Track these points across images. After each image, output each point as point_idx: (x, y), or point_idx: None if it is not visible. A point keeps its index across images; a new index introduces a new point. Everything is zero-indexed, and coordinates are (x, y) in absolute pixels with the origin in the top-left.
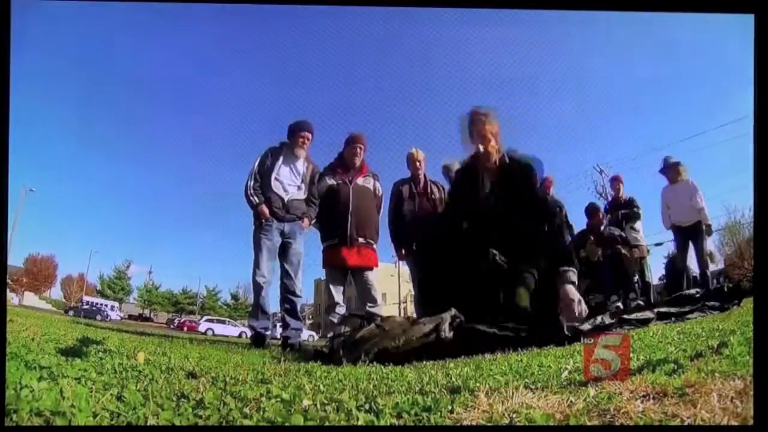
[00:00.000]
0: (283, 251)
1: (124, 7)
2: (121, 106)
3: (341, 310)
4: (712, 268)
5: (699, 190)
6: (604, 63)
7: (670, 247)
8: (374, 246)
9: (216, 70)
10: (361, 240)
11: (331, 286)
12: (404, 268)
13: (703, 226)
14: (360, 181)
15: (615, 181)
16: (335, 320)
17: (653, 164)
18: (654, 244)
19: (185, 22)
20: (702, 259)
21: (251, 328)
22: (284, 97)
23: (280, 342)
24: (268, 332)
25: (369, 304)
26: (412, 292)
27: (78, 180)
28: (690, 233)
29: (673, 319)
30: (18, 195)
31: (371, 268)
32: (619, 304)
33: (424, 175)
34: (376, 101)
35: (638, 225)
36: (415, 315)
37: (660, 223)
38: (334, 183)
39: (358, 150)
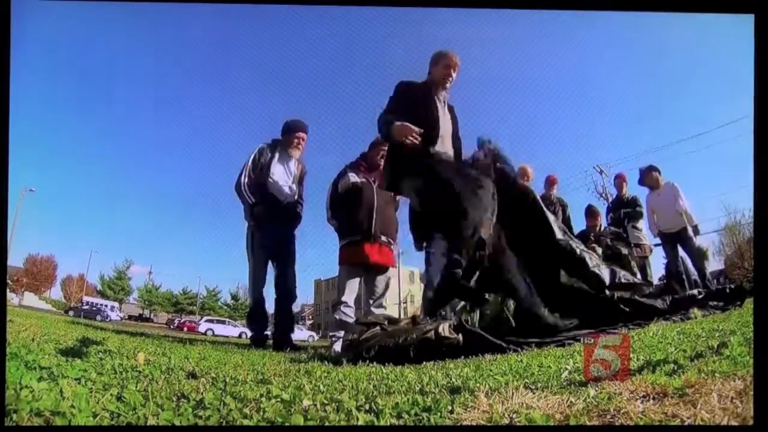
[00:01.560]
0: (278, 252)
1: (125, 6)
2: (122, 106)
3: (348, 310)
4: (710, 267)
5: (680, 192)
6: (604, 63)
7: None
8: (393, 247)
9: (217, 70)
10: (383, 239)
11: (346, 285)
12: (403, 269)
13: (689, 228)
14: None
15: (619, 178)
16: (338, 318)
17: (652, 164)
18: (654, 244)
19: (187, 22)
20: (697, 260)
21: (250, 329)
22: (285, 96)
23: (272, 343)
24: (267, 333)
25: (374, 306)
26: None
27: (78, 180)
28: (677, 238)
29: (678, 319)
30: (18, 195)
31: (388, 268)
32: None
33: None
34: (376, 100)
35: (641, 224)
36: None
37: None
38: (358, 181)
39: (383, 152)
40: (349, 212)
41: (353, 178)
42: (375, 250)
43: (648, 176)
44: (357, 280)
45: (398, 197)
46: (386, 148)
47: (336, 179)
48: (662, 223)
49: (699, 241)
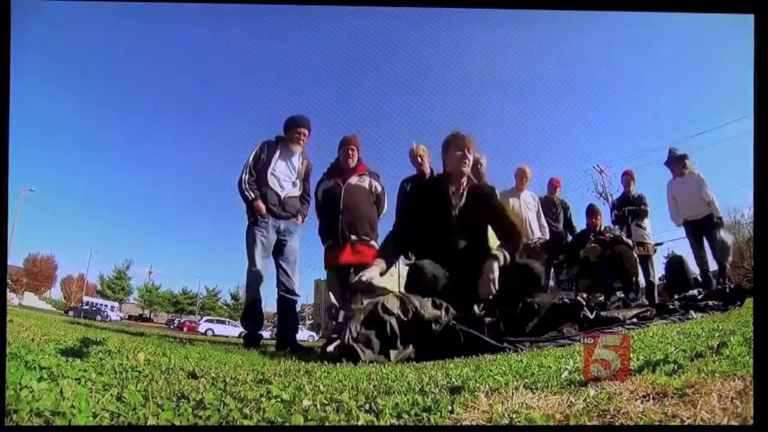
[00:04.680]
0: (279, 249)
1: (126, 6)
2: (122, 106)
3: (339, 312)
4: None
5: (705, 181)
6: (604, 63)
7: (669, 247)
8: (371, 242)
9: (217, 69)
10: (354, 237)
11: (329, 288)
12: (404, 269)
13: (715, 219)
14: (354, 180)
15: (627, 175)
16: (330, 320)
17: (652, 164)
18: (656, 243)
19: (187, 22)
20: (718, 252)
21: (244, 327)
22: (285, 97)
23: (275, 342)
24: (261, 332)
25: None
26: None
27: (78, 180)
28: (702, 227)
29: (677, 319)
30: (18, 195)
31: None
32: (620, 304)
33: (431, 170)
34: (376, 100)
35: (646, 222)
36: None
37: (661, 222)
38: (330, 185)
39: (350, 151)
40: (322, 218)
41: (324, 184)
42: (347, 251)
43: (678, 160)
44: (340, 281)
45: (378, 192)
46: (353, 147)
47: (315, 188)
48: (687, 211)
49: (724, 234)
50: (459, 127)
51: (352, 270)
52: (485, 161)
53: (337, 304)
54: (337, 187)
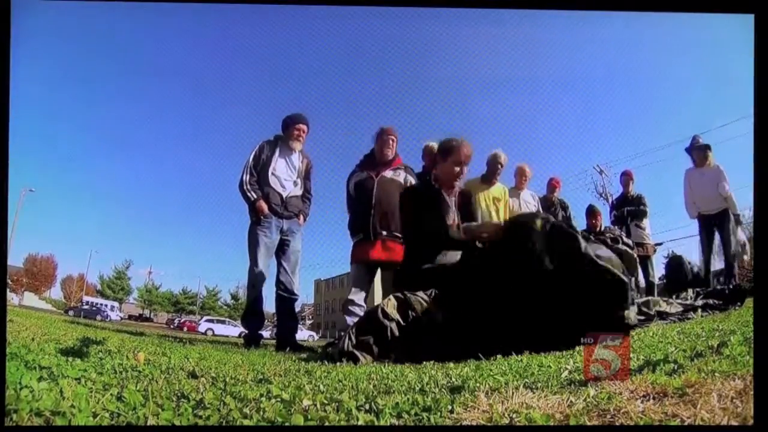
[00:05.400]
0: (281, 249)
1: (127, 5)
2: (122, 106)
3: (357, 309)
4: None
5: (725, 175)
6: (604, 63)
7: (669, 248)
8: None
9: (217, 68)
10: (384, 233)
11: (353, 284)
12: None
13: (731, 215)
14: (388, 174)
15: (625, 175)
16: (346, 317)
17: (652, 164)
18: (656, 243)
19: (187, 20)
20: (728, 249)
21: (245, 327)
22: (285, 96)
23: (275, 342)
24: (262, 332)
25: None
26: None
27: (78, 179)
28: (716, 221)
29: (677, 319)
30: (18, 195)
31: (399, 262)
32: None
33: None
34: (376, 100)
35: (645, 223)
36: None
37: (661, 222)
38: (362, 177)
39: (390, 142)
40: (353, 211)
41: (356, 177)
42: (378, 246)
43: (700, 150)
44: (365, 279)
45: (409, 185)
46: (393, 137)
47: (347, 180)
48: (702, 204)
49: (740, 234)
50: (459, 128)
51: (379, 269)
52: (504, 159)
53: (355, 300)
54: (370, 180)
